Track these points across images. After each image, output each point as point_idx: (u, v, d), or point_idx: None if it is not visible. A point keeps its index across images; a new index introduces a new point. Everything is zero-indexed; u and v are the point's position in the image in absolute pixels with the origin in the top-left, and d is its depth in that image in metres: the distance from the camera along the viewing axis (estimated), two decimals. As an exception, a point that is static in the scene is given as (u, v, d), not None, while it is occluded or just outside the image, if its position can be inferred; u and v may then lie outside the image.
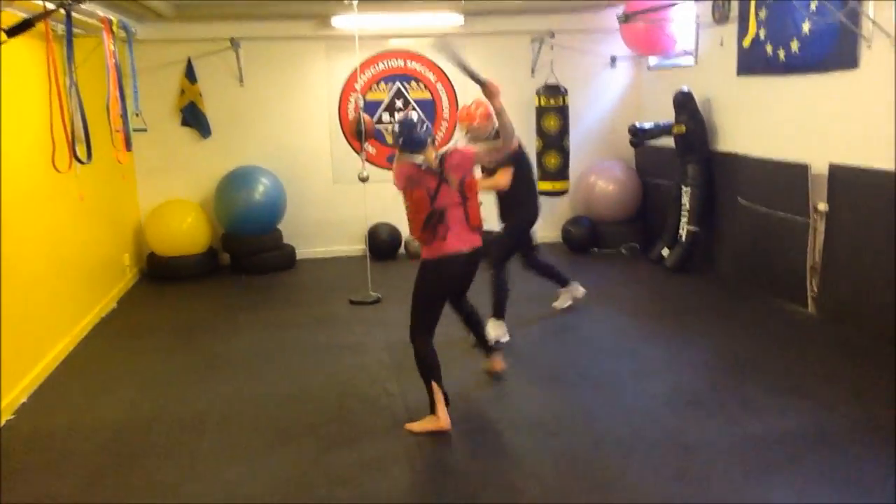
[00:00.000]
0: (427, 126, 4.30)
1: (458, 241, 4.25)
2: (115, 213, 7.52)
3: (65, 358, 5.56)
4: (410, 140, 4.23)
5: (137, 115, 6.23)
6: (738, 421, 4.20)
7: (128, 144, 5.86)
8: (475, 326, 4.82)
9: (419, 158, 4.24)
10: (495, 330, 5.53)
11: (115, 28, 5.67)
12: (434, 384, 4.21)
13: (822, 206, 5.69)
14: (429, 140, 4.27)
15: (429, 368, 4.25)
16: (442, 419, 4.18)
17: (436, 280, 4.31)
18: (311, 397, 4.75)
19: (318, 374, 5.15)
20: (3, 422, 4.48)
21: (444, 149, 4.37)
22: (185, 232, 7.89)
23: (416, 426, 4.22)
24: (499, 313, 5.64)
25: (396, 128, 4.28)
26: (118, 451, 4.11)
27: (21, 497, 3.67)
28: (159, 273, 7.88)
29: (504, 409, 4.53)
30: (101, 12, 5.61)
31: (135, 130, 6.12)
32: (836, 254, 5.67)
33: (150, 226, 7.93)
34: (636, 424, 4.21)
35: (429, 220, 4.22)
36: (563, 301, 6.37)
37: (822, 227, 5.77)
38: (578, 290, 6.38)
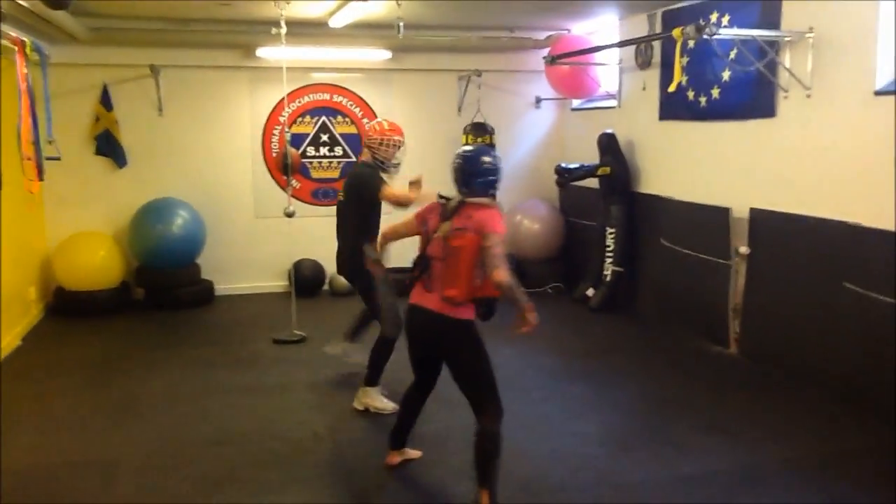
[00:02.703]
0: (495, 169, 3.60)
1: (420, 296, 3.68)
2: (20, 245, 7.09)
3: (-39, 400, 5.17)
4: (464, 177, 3.58)
5: (51, 142, 5.91)
6: (669, 461, 4.22)
7: (40, 173, 5.53)
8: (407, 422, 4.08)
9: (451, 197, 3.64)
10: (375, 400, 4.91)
11: (28, 50, 5.38)
12: None
13: (744, 250, 5.84)
14: (488, 190, 3.58)
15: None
16: None
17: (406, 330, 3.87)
18: (233, 441, 4.53)
19: (241, 416, 4.93)
20: None
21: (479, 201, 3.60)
22: (97, 265, 7.52)
23: None
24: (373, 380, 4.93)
25: (457, 159, 3.63)
26: (19, 502, 3.81)
27: None
28: (68, 308, 7.47)
29: (428, 450, 4.31)
30: (13, 33, 5.34)
31: (47, 159, 5.78)
32: (757, 296, 5.82)
33: (59, 258, 7.53)
34: (568, 466, 4.17)
35: (415, 265, 3.72)
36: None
37: (743, 269, 5.92)
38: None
